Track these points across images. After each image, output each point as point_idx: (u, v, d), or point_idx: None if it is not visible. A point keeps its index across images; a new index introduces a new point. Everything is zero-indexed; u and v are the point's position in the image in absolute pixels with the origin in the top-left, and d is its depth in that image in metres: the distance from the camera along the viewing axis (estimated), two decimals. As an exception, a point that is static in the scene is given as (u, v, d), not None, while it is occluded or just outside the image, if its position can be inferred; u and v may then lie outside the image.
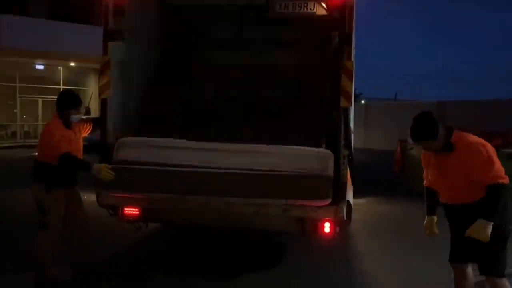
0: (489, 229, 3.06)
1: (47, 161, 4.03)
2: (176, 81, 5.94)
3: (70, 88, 4.84)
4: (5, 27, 17.35)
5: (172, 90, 5.74)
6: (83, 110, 4.27)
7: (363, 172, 12.93)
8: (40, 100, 22.80)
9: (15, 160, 14.86)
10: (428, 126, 3.19)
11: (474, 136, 3.25)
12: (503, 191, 3.10)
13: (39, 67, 22.41)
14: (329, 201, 4.02)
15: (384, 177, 11.33)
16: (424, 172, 3.56)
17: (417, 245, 5.68)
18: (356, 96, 35.75)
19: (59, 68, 22.71)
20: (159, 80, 5.50)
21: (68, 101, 4.18)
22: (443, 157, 3.27)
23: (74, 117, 4.17)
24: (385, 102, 30.42)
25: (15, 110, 22.51)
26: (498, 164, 3.13)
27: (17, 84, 22.13)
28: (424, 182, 3.57)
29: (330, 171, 4.05)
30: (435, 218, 3.47)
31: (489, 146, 3.18)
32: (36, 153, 4.23)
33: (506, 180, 3.10)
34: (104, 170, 3.95)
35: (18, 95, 22.23)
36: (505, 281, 3.24)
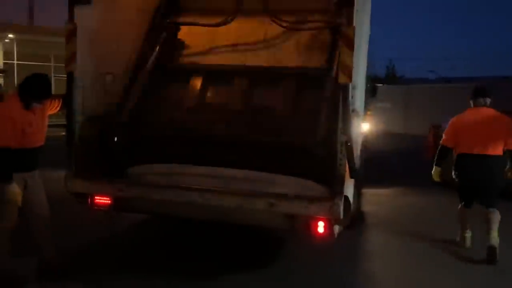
0: (433, 170, 4.92)
1: None
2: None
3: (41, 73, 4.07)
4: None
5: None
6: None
7: (393, 159, 12.20)
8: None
9: None
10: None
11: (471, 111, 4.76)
12: (440, 149, 4.90)
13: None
14: None
15: (416, 165, 10.41)
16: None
17: (438, 247, 4.93)
18: (396, 78, 34.17)
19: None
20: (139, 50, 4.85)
21: (36, 90, 3.68)
22: None
23: (37, 105, 3.70)
24: (427, 85, 28.74)
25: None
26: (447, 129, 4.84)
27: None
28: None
29: None
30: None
31: (455, 119, 4.79)
32: None
33: (441, 141, 4.85)
34: (12, 196, 3.52)
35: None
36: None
